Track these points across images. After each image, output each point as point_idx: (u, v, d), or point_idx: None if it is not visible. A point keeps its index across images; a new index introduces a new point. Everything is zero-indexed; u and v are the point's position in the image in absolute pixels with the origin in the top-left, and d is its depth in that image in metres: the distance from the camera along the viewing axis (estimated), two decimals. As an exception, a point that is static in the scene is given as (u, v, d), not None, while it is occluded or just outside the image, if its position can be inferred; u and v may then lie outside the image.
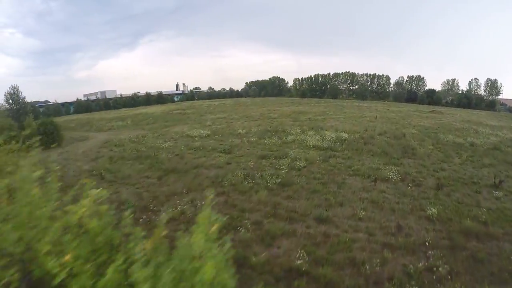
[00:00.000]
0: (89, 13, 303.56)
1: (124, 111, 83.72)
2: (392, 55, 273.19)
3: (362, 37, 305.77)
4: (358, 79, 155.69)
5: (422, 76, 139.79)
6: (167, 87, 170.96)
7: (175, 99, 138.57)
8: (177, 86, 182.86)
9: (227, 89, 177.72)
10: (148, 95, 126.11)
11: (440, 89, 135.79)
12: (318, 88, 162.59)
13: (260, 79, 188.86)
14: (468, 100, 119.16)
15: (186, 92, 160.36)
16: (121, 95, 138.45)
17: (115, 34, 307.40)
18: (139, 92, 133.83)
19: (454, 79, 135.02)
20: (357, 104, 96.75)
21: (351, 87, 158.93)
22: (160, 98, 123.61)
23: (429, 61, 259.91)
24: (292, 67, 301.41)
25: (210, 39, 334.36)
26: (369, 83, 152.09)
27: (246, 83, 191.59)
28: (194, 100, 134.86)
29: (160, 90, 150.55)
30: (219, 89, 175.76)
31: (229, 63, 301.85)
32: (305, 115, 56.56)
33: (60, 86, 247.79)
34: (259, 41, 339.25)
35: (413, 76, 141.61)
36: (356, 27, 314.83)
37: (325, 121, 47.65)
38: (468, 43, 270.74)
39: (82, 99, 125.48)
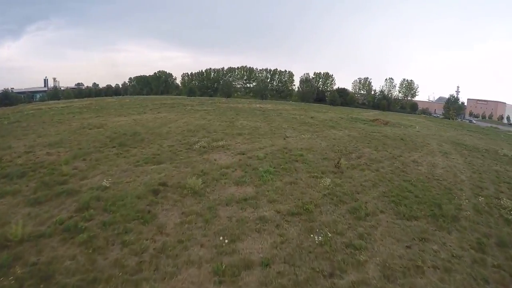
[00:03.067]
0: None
1: None
2: (289, 54, 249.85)
3: (264, 37, 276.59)
4: (257, 75, 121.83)
5: (330, 73, 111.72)
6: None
7: (35, 98, 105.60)
8: (45, 81, 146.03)
9: (113, 85, 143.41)
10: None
11: (350, 89, 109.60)
12: (210, 85, 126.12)
13: (147, 74, 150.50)
14: (387, 102, 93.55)
15: (57, 88, 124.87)
16: None
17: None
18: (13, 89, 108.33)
19: (367, 78, 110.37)
20: (259, 105, 60.93)
21: (248, 84, 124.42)
22: (6, 99, 78.72)
23: (330, 61, 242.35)
24: (190, 64, 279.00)
25: (105, 31, 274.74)
26: (269, 79, 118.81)
27: (130, 78, 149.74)
28: (57, 99, 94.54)
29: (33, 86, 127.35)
30: (104, 85, 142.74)
31: (125, 58, 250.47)
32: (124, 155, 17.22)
33: None
34: (158, 37, 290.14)
35: (320, 73, 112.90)
36: (258, 27, 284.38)
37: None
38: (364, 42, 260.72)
39: None
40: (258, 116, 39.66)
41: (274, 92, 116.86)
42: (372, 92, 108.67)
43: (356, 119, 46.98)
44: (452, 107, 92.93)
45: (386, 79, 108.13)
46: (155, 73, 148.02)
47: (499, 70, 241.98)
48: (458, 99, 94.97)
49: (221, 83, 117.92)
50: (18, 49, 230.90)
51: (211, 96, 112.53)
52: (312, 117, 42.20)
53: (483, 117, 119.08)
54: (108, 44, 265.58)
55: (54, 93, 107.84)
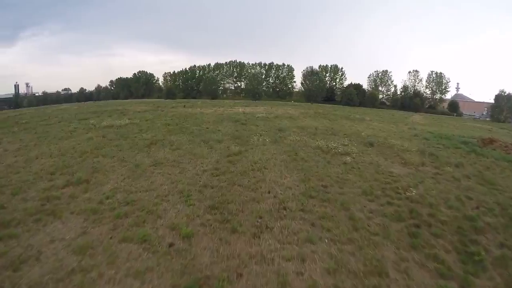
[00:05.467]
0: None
1: None
2: (287, 55, 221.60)
3: (259, 38, 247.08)
4: (249, 71, 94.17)
5: (340, 66, 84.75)
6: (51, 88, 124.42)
7: None
8: (16, 87, 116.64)
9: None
10: None
11: (366, 85, 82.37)
12: (195, 84, 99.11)
13: (126, 76, 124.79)
14: (421, 100, 67.07)
15: (18, 95, 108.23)
16: None
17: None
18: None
19: (386, 70, 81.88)
20: (243, 110, 34.04)
21: (238, 83, 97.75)
22: None
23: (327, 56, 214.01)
24: (186, 67, 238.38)
25: (100, 35, 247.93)
26: (263, 75, 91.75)
27: (111, 81, 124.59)
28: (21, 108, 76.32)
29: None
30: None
31: (120, 62, 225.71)
32: None
33: None
34: (154, 40, 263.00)
35: (326, 66, 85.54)
36: (254, 29, 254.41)
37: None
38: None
39: None
40: (219, 146, 13.32)
41: (271, 90, 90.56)
42: (393, 89, 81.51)
43: (449, 137, 20.76)
44: (505, 106, 66.36)
45: (409, 72, 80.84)
46: (134, 74, 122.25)
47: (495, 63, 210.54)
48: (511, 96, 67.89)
49: (204, 81, 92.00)
50: (13, 56, 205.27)
51: (194, 98, 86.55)
52: (370, 145, 15.48)
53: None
54: (103, 49, 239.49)
55: (15, 100, 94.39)
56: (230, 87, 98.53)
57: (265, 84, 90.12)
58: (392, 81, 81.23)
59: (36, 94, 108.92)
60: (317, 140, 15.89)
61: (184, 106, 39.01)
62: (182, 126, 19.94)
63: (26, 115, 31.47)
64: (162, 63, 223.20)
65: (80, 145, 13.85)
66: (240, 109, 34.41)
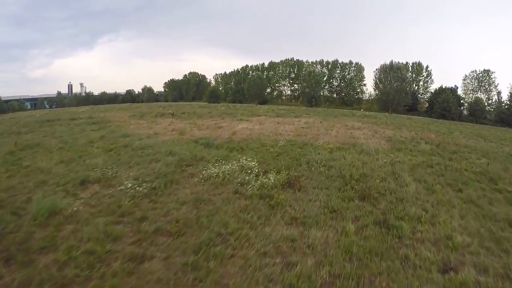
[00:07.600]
0: (47, 7, 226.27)
1: None
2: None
3: (327, 43, 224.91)
4: (307, 70, 75.43)
5: (424, 64, 64.02)
6: (119, 90, 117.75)
7: (29, 106, 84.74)
8: (69, 86, 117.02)
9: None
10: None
11: (460, 90, 59.73)
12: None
13: (177, 78, 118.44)
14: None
15: (83, 94, 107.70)
16: None
17: (73, 32, 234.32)
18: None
19: (488, 70, 58.23)
20: (246, 127, 17.69)
21: (295, 85, 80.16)
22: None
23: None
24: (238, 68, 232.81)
25: (170, 41, 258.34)
26: (325, 77, 73.19)
27: (165, 83, 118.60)
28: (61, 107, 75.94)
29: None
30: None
31: (191, 67, 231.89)
32: None
33: (13, 85, 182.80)
34: (223, 46, 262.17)
35: (407, 64, 64.78)
36: (322, 34, 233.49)
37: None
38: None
39: None
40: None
41: (334, 96, 71.75)
42: (495, 97, 56.64)
43: None
44: None
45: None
46: (185, 75, 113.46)
47: None
48: None
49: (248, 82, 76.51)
50: (91, 59, 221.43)
51: (240, 102, 71.61)
52: None
53: None
54: (174, 54, 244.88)
55: (60, 100, 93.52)
56: (287, 90, 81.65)
57: (327, 87, 71.67)
58: (496, 85, 56.95)
59: (83, 94, 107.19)
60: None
61: (173, 114, 25.44)
62: None
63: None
64: (230, 68, 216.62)
65: None
66: (245, 126, 17.58)
